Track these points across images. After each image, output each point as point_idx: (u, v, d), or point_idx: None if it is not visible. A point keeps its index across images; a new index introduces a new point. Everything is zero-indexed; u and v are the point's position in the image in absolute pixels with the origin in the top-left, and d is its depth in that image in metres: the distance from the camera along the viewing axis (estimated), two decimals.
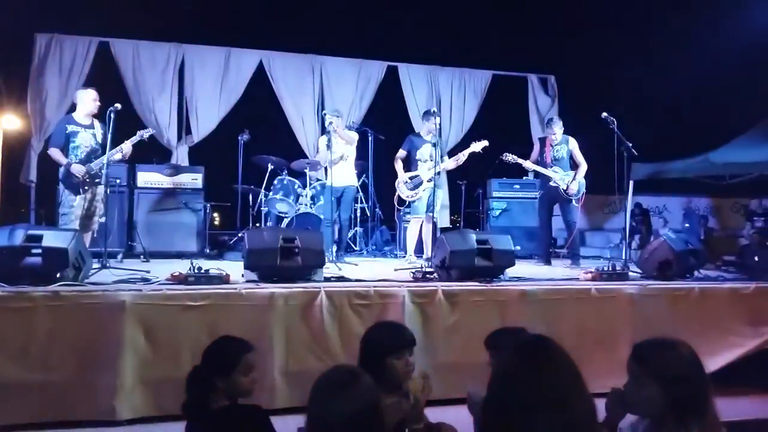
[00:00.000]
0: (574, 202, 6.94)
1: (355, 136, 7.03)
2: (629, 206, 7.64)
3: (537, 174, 7.27)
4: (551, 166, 6.94)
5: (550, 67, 10.78)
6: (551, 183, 6.92)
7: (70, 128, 5.89)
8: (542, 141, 7.21)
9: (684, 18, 11.09)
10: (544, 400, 1.47)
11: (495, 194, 8.89)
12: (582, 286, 4.94)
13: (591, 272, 5.23)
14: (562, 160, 6.97)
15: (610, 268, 5.20)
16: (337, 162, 6.81)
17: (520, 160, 7.04)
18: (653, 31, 12.10)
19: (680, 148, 9.20)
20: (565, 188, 6.86)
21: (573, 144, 7.03)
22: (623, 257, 6.32)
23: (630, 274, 5.34)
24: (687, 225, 13.15)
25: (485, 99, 10.22)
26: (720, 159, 8.39)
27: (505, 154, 7.02)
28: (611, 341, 4.55)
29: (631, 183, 6.88)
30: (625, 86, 11.55)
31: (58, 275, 4.04)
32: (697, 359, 1.83)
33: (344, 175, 6.94)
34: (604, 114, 6.12)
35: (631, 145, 6.07)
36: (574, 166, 7.02)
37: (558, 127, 6.99)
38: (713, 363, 4.54)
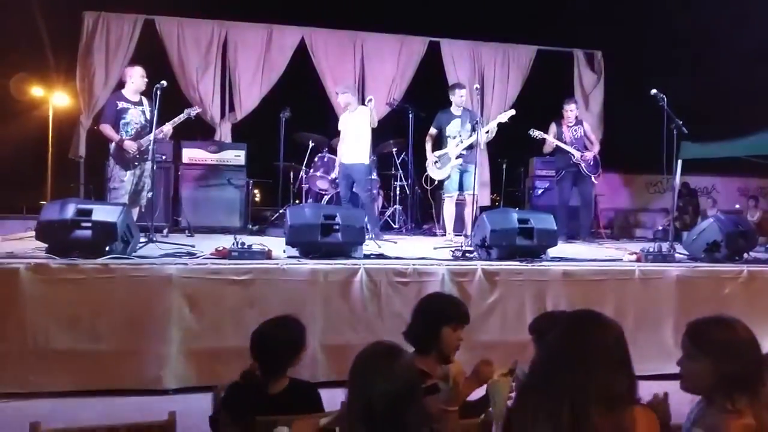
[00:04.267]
0: (593, 178, 7.18)
1: (367, 113, 6.61)
2: (677, 186, 7.42)
3: (553, 154, 7.41)
4: (573, 145, 7.18)
5: (596, 42, 10.45)
6: (573, 161, 7.14)
7: (121, 105, 6.01)
8: (557, 123, 7.36)
9: None
10: (588, 370, 1.53)
11: (538, 173, 8.75)
12: (626, 267, 4.86)
13: (636, 253, 5.12)
14: (580, 140, 7.27)
15: (656, 250, 5.09)
16: (349, 139, 6.67)
17: (546, 136, 7.18)
18: (704, 3, 11.59)
19: (731, 126, 8.87)
20: (585, 164, 7.10)
21: (587, 127, 7.45)
22: (669, 238, 6.16)
23: (676, 255, 5.21)
24: (737, 206, 12.73)
25: (529, 75, 10.00)
26: None
27: (531, 129, 7.17)
28: (654, 324, 4.48)
29: (680, 162, 6.65)
30: (673, 62, 11.15)
31: (107, 248, 4.16)
32: (752, 338, 1.83)
33: (354, 152, 6.66)
34: (654, 91, 5.93)
35: (681, 123, 5.89)
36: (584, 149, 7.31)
37: (573, 105, 7.38)
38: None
